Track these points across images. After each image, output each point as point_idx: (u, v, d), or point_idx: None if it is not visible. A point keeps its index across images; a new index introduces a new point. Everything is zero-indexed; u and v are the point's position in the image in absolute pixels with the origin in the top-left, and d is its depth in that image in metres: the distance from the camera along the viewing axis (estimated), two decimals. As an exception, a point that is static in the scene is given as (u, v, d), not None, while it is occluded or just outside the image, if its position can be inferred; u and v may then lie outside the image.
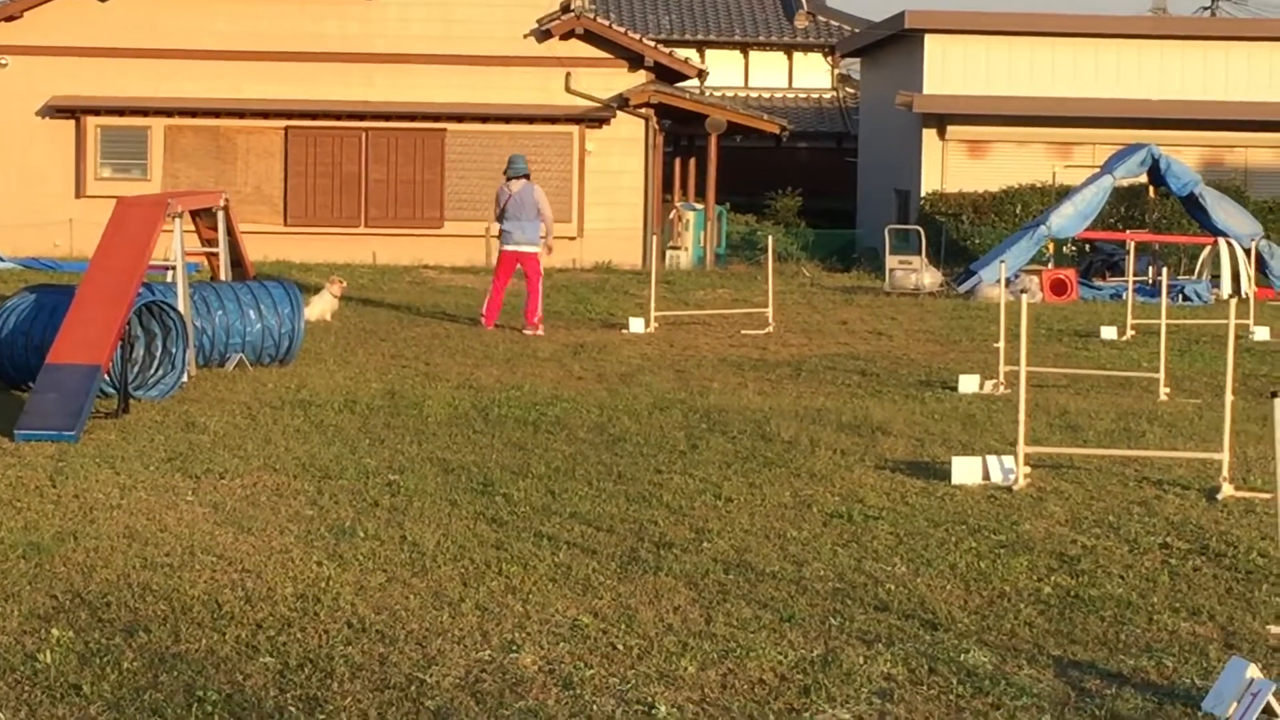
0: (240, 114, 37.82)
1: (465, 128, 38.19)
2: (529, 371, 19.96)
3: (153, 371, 17.54)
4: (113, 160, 38.00)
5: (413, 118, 38.00)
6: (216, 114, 37.81)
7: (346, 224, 38.06)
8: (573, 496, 12.56)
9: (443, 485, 12.90)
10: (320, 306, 24.63)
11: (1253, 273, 32.76)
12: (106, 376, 16.03)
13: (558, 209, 37.97)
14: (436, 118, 38.04)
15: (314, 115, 37.92)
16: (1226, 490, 12.94)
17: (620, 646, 8.77)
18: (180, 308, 18.27)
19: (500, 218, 24.99)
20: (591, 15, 38.63)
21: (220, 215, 21.29)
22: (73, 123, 37.81)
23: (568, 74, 38.27)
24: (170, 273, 19.15)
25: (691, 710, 7.82)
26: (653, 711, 7.77)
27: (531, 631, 9.00)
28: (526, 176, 24.86)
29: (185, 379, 17.78)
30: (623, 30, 39.75)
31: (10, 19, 37.65)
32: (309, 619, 9.17)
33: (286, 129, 38.06)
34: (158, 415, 16.06)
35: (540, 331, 24.01)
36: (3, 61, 37.69)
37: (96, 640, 8.71)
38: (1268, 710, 7.64)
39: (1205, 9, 75.72)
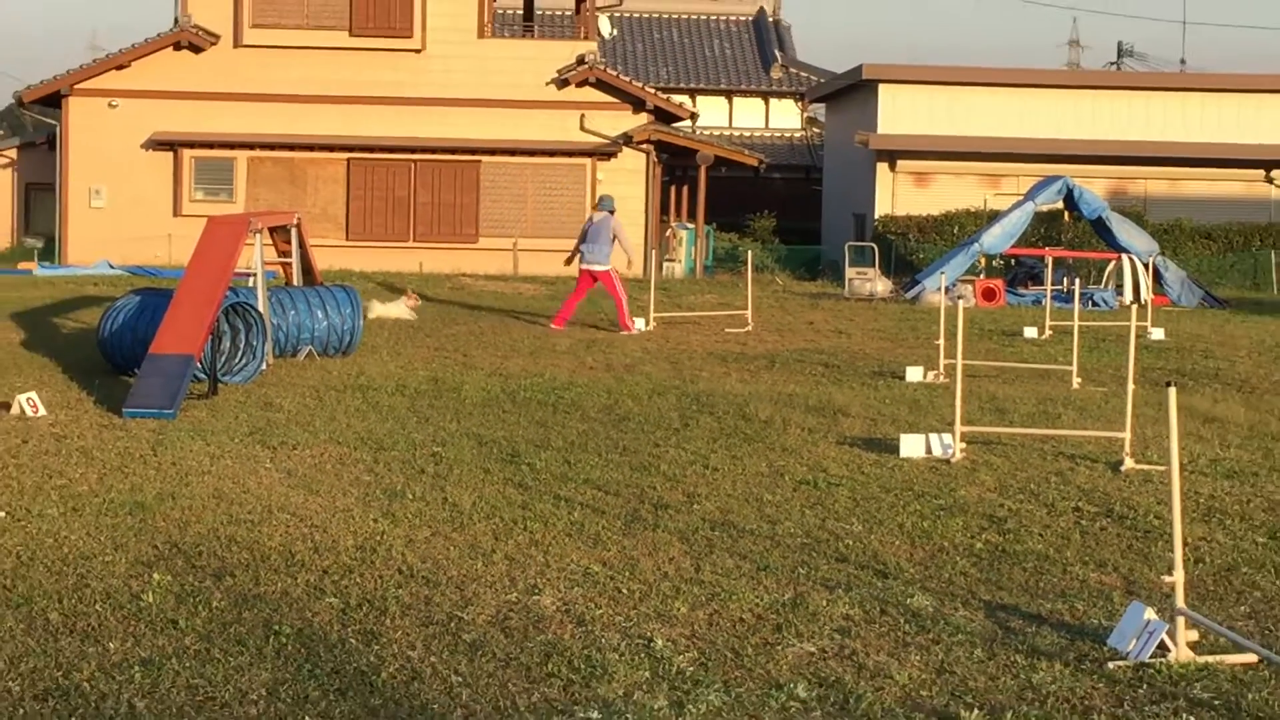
0: (310, 147, 37.82)
1: (497, 160, 38.18)
2: (549, 362, 19.94)
3: (237, 360, 17.53)
4: (204, 185, 37.98)
5: (453, 151, 37.99)
6: (291, 147, 37.81)
7: (398, 239, 38.05)
8: (585, 466, 12.55)
9: (477, 456, 12.89)
10: (394, 309, 25.15)
11: (1150, 283, 32.75)
12: (199, 364, 16.02)
13: (573, 229, 38.12)
14: (473, 151, 38.02)
15: (371, 149, 37.91)
16: (1128, 464, 12.93)
17: (624, 591, 8.76)
18: (260, 308, 18.27)
19: (581, 241, 25.19)
20: (602, 66, 38.62)
21: (293, 232, 21.30)
22: (171, 154, 37.78)
23: (582, 115, 38.28)
24: (252, 279, 19.15)
25: (683, 644, 7.81)
26: (651, 645, 7.76)
27: (551, 578, 9.00)
28: (610, 211, 25.13)
29: (264, 367, 17.78)
30: (628, 79, 39.74)
31: (120, 68, 37.66)
32: (366, 566, 9.16)
33: (349, 160, 38.05)
34: (241, 397, 16.05)
35: (634, 331, 24.17)
36: (114, 103, 37.68)
37: (190, 583, 8.71)
38: (1161, 646, 7.63)
39: (1112, 63, 75.65)
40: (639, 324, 24.71)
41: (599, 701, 6.95)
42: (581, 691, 7.09)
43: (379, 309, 24.81)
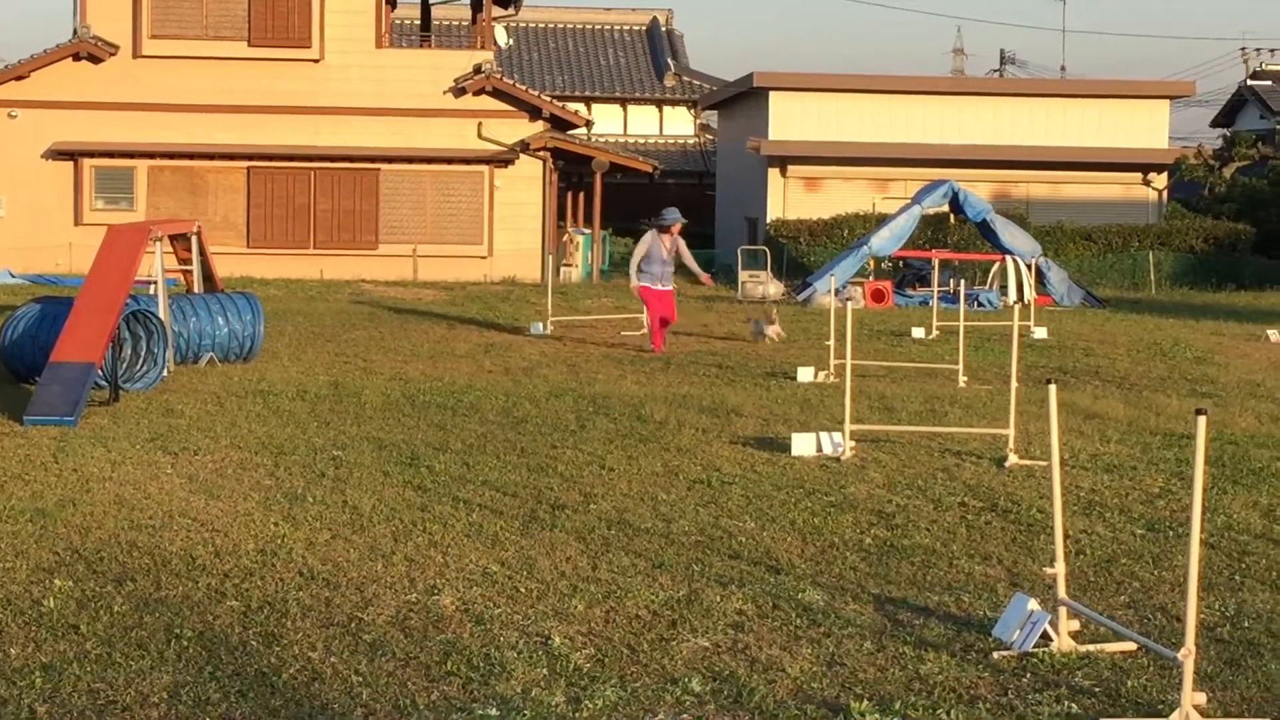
0: (210, 156, 37.46)
1: (395, 168, 38.00)
2: (448, 366, 19.87)
3: (138, 368, 17.35)
4: (104, 194, 37.55)
5: (352, 159, 37.77)
6: (191, 156, 37.44)
7: (298, 246, 37.78)
8: (484, 468, 12.52)
9: (377, 459, 12.83)
10: (769, 331, 23.86)
11: (1033, 283, 33.05)
12: (100, 372, 15.85)
13: (471, 235, 38.15)
14: (372, 159, 37.82)
15: (271, 157, 37.62)
16: (1012, 459, 13.05)
17: (522, 589, 8.75)
18: (161, 315, 18.11)
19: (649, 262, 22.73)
20: (499, 75, 38.54)
21: (194, 239, 21.11)
22: (71, 164, 37.31)
23: (479, 123, 38.18)
24: (153, 286, 18.97)
25: (580, 640, 7.81)
26: (548, 642, 7.75)
27: (450, 578, 8.97)
28: (665, 229, 22.62)
29: (165, 374, 17.61)
30: (524, 88, 39.68)
31: (19, 78, 37.13)
32: (267, 569, 9.10)
33: (249, 169, 37.74)
34: (142, 403, 15.90)
35: (661, 351, 21.99)
36: (14, 114, 37.21)
37: (91, 589, 8.62)
38: (1044, 635, 7.71)
39: (995, 71, 76.30)
40: (535, 327, 24.68)
41: (497, 699, 6.94)
42: (480, 689, 7.07)
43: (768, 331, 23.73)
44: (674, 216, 22.97)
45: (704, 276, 24.42)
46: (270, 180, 37.75)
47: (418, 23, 48.41)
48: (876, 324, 27.10)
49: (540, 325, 24.89)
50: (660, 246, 22.68)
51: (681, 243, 22.92)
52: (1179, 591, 8.76)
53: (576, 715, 6.75)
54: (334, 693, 7.01)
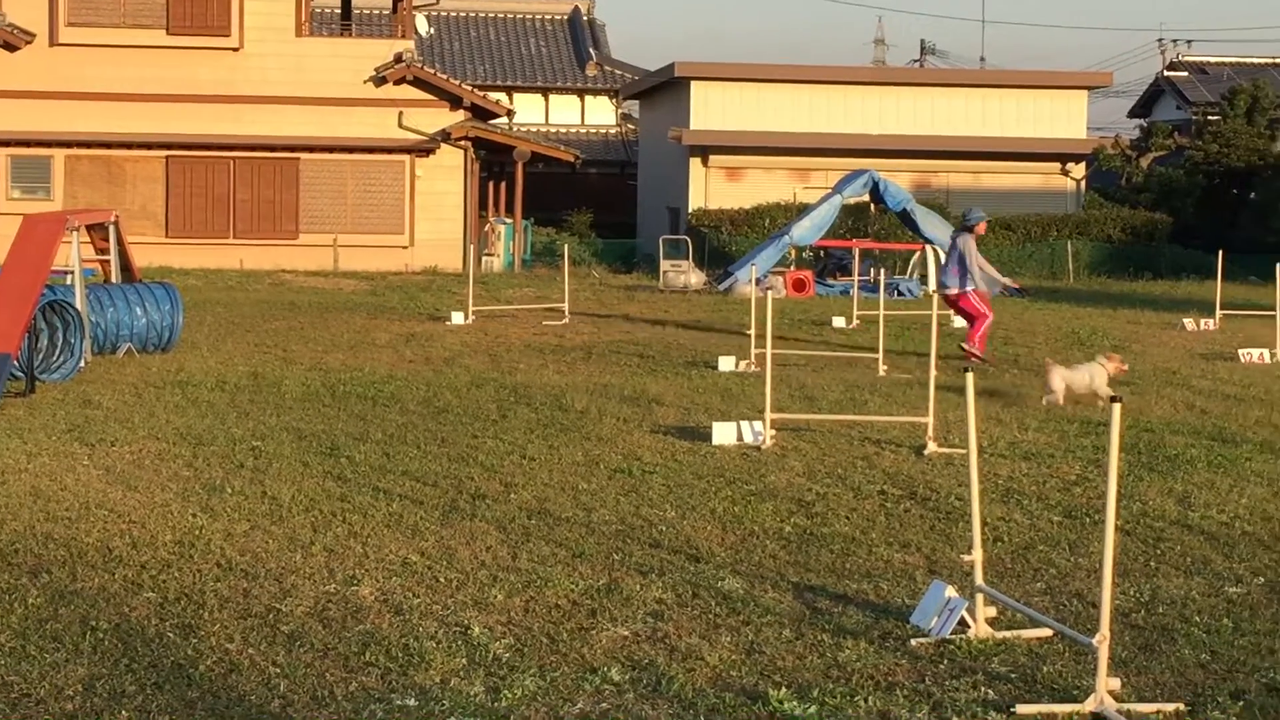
0: (129, 145, 37.17)
1: (316, 157, 37.82)
2: (369, 356, 19.79)
3: (55, 358, 17.21)
4: (21, 184, 37.23)
5: (272, 148, 37.56)
6: (108, 145, 37.14)
7: (218, 236, 37.53)
8: (404, 458, 12.48)
9: (297, 450, 12.76)
10: (1085, 377, 16.49)
11: (953, 273, 33.18)
12: (16, 363, 15.69)
13: (393, 225, 38.01)
14: (292, 149, 37.62)
15: (190, 146, 37.36)
16: (931, 447, 13.12)
17: (442, 579, 8.73)
18: (78, 305, 17.95)
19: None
20: (420, 64, 38.45)
21: (111, 229, 20.94)
22: (-13, 152, 37.01)
23: (400, 113, 38.07)
24: (69, 276, 18.82)
25: (500, 630, 7.80)
26: (468, 632, 7.73)
27: (370, 568, 8.94)
28: (970, 228, 20.57)
29: (83, 364, 17.46)
30: (445, 77, 39.57)
31: (-67, 66, 36.78)
32: (185, 561, 9.04)
33: (167, 158, 37.47)
34: (59, 394, 15.75)
35: (977, 352, 20.11)
36: (-73, 102, 36.83)
37: (6, 581, 8.53)
38: (962, 622, 7.75)
39: (916, 61, 76.66)
40: (456, 317, 24.63)
41: (416, 689, 6.92)
42: (399, 680, 7.05)
43: (1062, 379, 16.48)
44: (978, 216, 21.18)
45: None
46: (189, 170, 37.48)
47: (338, 11, 48.17)
48: (798, 313, 27.15)
49: (461, 315, 24.82)
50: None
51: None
52: (1095, 578, 8.81)
53: (495, 705, 6.74)
54: (251, 684, 6.97)
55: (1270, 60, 64.80)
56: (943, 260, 21.89)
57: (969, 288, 20.42)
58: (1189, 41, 66.67)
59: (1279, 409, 16.04)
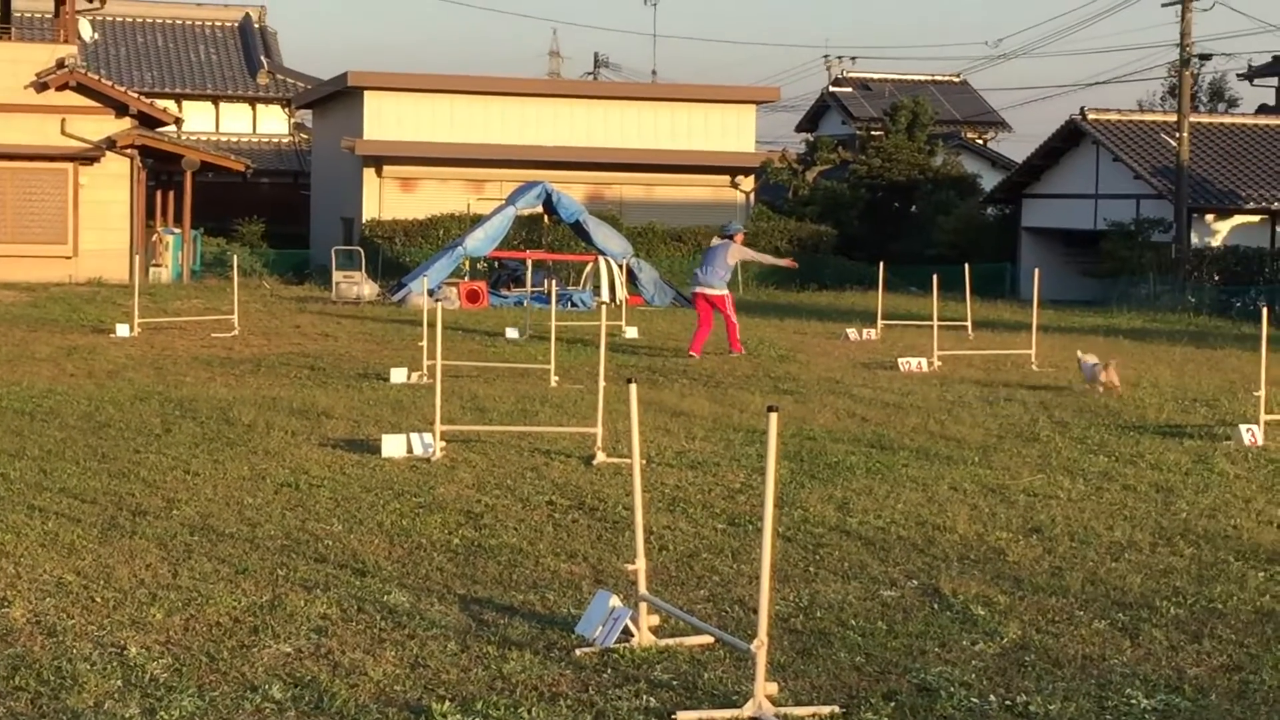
0: None
1: (-27, 164, 36.63)
2: (28, 370, 19.20)
3: None
4: None
5: (-74, 155, 36.27)
6: None
7: None
8: (62, 474, 12.12)
9: (-52, 467, 12.30)
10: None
11: (625, 283, 33.62)
12: None
13: (55, 234, 36.94)
14: (-53, 155, 36.38)
15: None
16: (600, 457, 13.22)
17: (99, 599, 8.49)
18: None
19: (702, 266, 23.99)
20: (84, 70, 37.46)
21: None
22: None
23: (63, 120, 37.03)
24: None
25: (158, 650, 7.61)
26: (124, 653, 7.53)
27: (22, 589, 8.64)
28: (730, 236, 23.84)
29: None
30: (110, 84, 38.66)
31: None
32: None
33: None
34: None
35: (742, 352, 23.19)
36: None
37: None
38: (626, 631, 7.81)
39: (589, 73, 77.33)
40: (121, 329, 24.05)
41: (68, 713, 6.71)
42: (49, 704, 6.82)
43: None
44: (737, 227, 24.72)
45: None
46: None
47: (-3, 14, 46.66)
48: (471, 324, 27.16)
49: (127, 327, 24.24)
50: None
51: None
52: (757, 584, 8.95)
53: (151, 727, 6.58)
54: (-108, 713, 6.69)
55: (929, 77, 66.97)
56: (699, 269, 24.05)
57: (726, 291, 23.51)
58: (853, 58, 68.36)
59: (935, 416, 16.56)
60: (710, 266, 23.58)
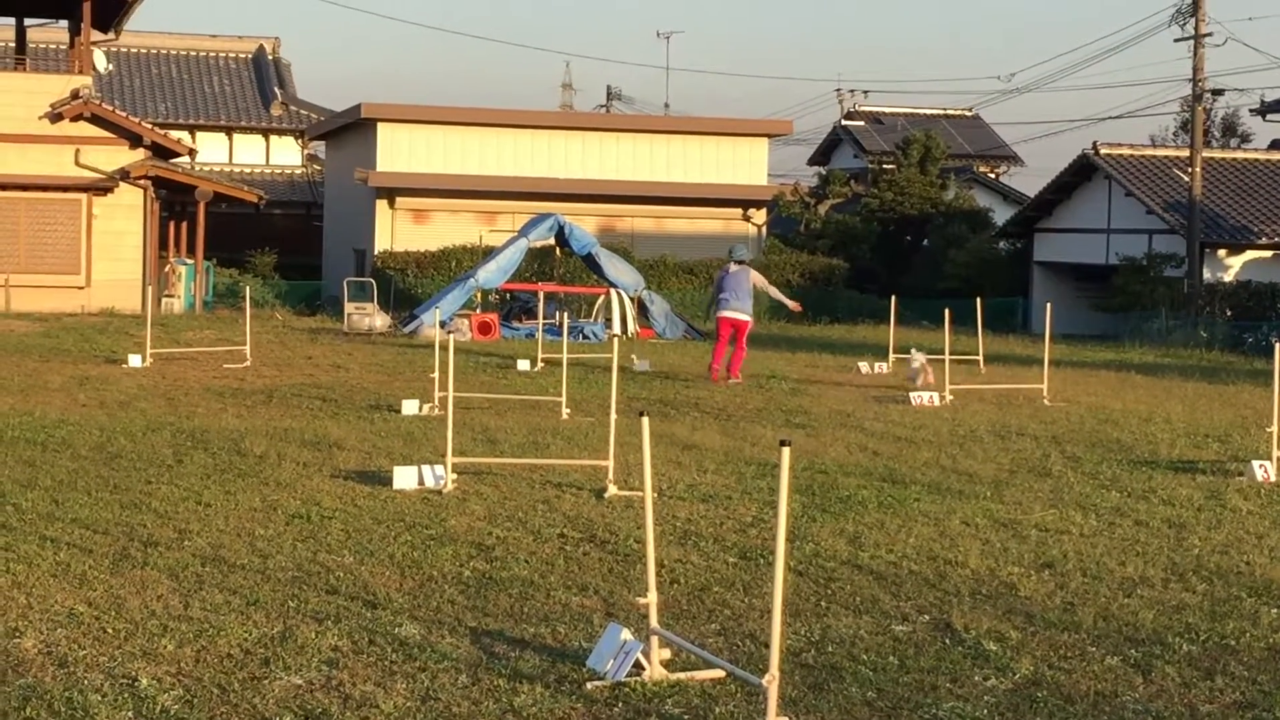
0: None
1: (-12, 194, 36.76)
2: (40, 400, 19.23)
3: None
4: None
5: (-59, 185, 36.39)
6: None
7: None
8: (74, 505, 12.13)
9: (-40, 497, 12.31)
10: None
11: (636, 316, 33.64)
12: None
13: (68, 265, 37.02)
14: (-38, 185, 36.51)
15: None
16: (612, 490, 13.21)
17: (110, 630, 8.49)
18: None
19: (718, 291, 24.58)
20: (98, 101, 37.59)
21: None
22: None
23: (77, 150, 37.15)
24: None
25: (169, 681, 7.61)
26: (135, 684, 7.53)
27: (33, 620, 8.65)
28: (741, 262, 24.62)
29: None
30: (124, 114, 38.79)
31: None
32: None
33: None
34: None
35: (740, 380, 23.56)
36: None
37: None
38: (637, 665, 7.80)
39: (602, 106, 77.51)
40: (134, 360, 24.08)
41: (79, 744, 6.72)
42: (61, 735, 6.83)
43: None
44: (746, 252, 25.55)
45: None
46: None
47: (12, 44, 46.85)
48: (483, 356, 27.18)
49: (139, 358, 24.28)
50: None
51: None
52: (768, 618, 8.94)
53: (162, 759, 6.57)
54: (-97, 743, 6.70)
55: (941, 111, 67.07)
56: (725, 293, 24.45)
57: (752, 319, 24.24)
58: (866, 92, 68.50)
59: (947, 450, 16.55)
60: (739, 292, 24.09)
